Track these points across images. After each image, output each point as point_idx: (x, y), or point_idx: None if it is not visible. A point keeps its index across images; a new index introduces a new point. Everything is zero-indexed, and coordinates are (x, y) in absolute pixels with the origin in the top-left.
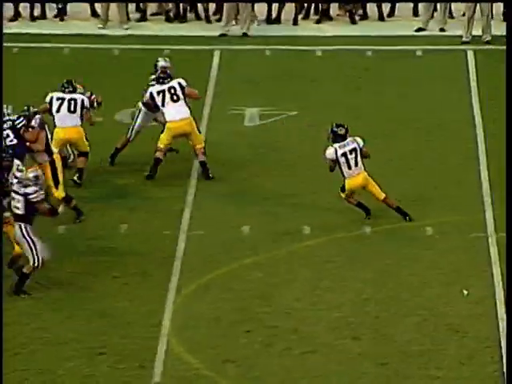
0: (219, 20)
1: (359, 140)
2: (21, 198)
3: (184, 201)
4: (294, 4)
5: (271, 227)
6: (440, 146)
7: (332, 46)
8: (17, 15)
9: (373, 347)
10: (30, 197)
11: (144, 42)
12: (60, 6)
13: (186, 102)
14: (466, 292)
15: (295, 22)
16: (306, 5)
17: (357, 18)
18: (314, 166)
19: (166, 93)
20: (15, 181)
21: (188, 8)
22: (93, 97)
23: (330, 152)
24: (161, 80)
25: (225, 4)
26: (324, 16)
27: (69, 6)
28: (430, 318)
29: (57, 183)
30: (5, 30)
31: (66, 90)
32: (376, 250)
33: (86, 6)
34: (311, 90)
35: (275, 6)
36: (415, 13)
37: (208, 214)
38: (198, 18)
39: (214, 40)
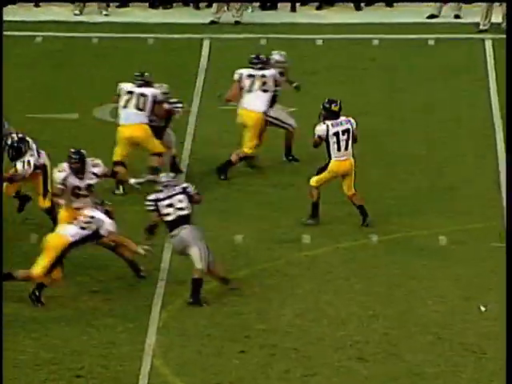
0: (209, 6)
1: (353, 121)
2: (181, 196)
3: None
4: None
5: (267, 235)
6: (454, 143)
7: (334, 34)
8: None
9: (381, 369)
10: (189, 190)
11: (126, 29)
12: None
13: (272, 97)
14: (483, 308)
15: (293, 9)
16: None
17: (362, 3)
18: (314, 168)
19: (256, 80)
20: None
21: None
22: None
23: (321, 129)
24: (253, 64)
25: None
26: (325, 1)
27: None
28: (444, 337)
29: (46, 192)
30: None
31: (136, 82)
32: (384, 260)
33: None
34: (311, 83)
35: None
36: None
37: (196, 220)
38: (185, 3)
39: (204, 28)
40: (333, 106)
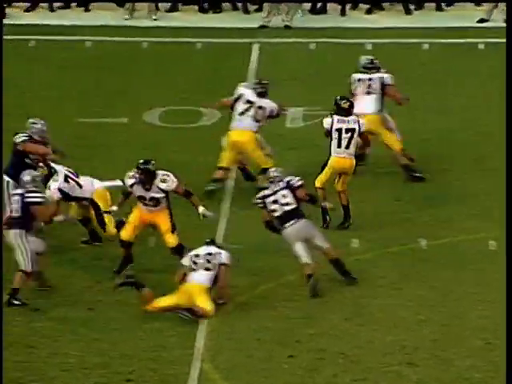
0: (259, 10)
1: (362, 122)
2: (285, 191)
3: (219, 210)
4: None
5: None
6: (502, 149)
7: (384, 38)
8: (34, 5)
9: (430, 374)
10: (292, 182)
11: (175, 34)
12: None
13: (380, 98)
14: None
15: (343, 13)
16: None
17: (412, 7)
18: (361, 172)
19: (362, 83)
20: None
21: None
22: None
23: (327, 121)
24: (366, 69)
25: None
26: (375, 5)
27: None
28: (494, 342)
29: (103, 226)
30: (20, 21)
31: (256, 90)
32: (433, 265)
33: None
34: None
35: None
36: (477, 2)
37: (246, 224)
38: (234, 7)
39: (253, 32)
40: (343, 102)
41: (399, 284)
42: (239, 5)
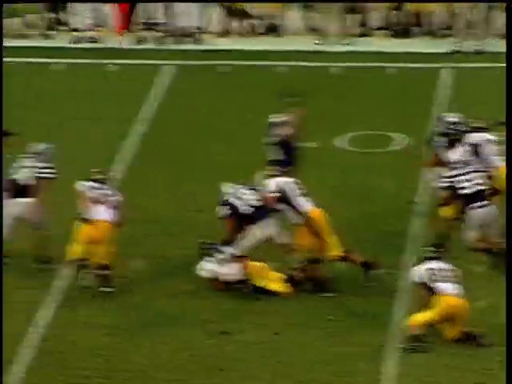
0: (449, 35)
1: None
2: (477, 173)
3: (405, 235)
4: None
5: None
6: None
7: None
8: (227, 30)
9: None
10: (482, 169)
11: (366, 59)
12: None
13: None
14: None
15: None
16: None
17: None
18: None
19: None
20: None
21: (415, 21)
22: None
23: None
24: None
25: (457, 17)
26: None
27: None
28: None
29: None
30: (213, 47)
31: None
32: None
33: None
34: None
35: None
36: None
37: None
38: (425, 32)
39: (444, 57)
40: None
41: None
42: (430, 30)
